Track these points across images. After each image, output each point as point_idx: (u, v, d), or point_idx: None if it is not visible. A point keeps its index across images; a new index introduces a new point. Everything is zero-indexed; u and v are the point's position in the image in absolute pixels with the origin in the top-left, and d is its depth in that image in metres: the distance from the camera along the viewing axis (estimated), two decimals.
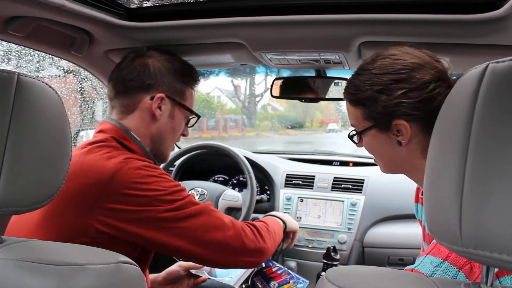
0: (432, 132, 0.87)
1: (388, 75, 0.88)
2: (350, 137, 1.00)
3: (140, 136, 1.11)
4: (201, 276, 1.43)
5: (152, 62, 1.13)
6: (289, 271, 1.33)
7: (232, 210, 1.70)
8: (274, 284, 1.28)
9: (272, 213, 1.44)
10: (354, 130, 0.98)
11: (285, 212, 1.83)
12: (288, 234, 1.42)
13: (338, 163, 2.11)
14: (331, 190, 1.87)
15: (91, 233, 0.92)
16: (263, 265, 1.34)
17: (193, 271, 1.40)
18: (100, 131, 1.09)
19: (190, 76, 1.18)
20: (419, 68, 0.86)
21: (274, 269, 1.32)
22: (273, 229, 1.22)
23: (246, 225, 1.11)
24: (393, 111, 0.88)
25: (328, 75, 1.48)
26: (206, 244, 1.01)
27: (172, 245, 0.98)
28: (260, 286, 1.30)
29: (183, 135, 1.23)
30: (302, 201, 1.86)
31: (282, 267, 1.33)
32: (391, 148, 0.92)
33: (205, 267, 1.37)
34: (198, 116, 1.22)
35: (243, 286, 1.36)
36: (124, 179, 0.94)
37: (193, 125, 1.24)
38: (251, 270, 1.37)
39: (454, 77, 0.89)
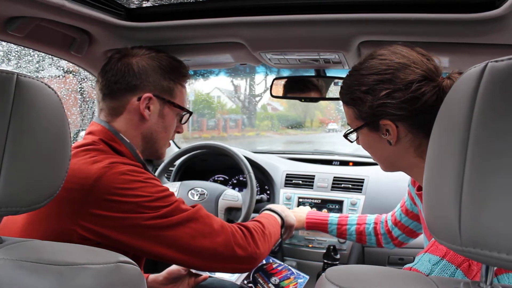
0: (422, 130, 0.88)
1: (374, 76, 0.89)
2: (345, 136, 1.02)
3: (130, 138, 1.08)
4: (201, 275, 1.43)
5: (137, 61, 1.09)
6: (289, 267, 1.33)
7: (232, 210, 1.70)
8: (275, 279, 1.29)
9: (271, 206, 1.40)
10: (350, 129, 1.00)
11: None
12: (285, 228, 1.40)
13: (338, 162, 2.11)
14: (331, 190, 1.87)
15: (75, 239, 0.90)
16: (264, 261, 1.34)
17: (193, 270, 1.40)
18: (89, 133, 1.07)
19: (178, 73, 1.14)
20: (404, 68, 0.87)
21: (274, 266, 1.32)
22: (269, 231, 1.18)
23: (238, 229, 1.07)
24: (379, 112, 0.89)
25: (327, 74, 1.48)
26: (193, 252, 0.98)
27: (157, 253, 0.95)
28: (261, 282, 1.30)
29: (178, 132, 1.20)
30: (302, 201, 1.86)
31: (282, 263, 1.33)
32: (383, 147, 0.93)
33: None
34: (190, 113, 1.19)
35: (245, 282, 1.36)
36: (107, 184, 0.91)
37: (185, 122, 1.20)
38: None
39: (444, 76, 0.89)
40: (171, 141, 2.28)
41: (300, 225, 1.50)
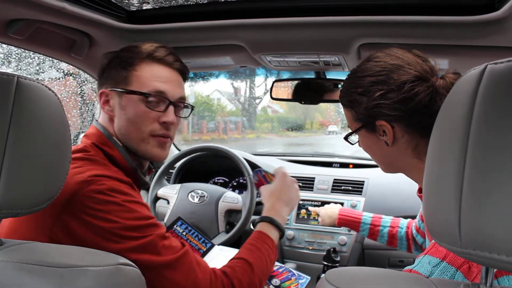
0: (418, 130, 0.89)
1: (368, 78, 0.90)
2: (346, 138, 1.02)
3: (120, 139, 1.02)
4: None
5: (103, 60, 1.07)
6: (290, 268, 1.32)
7: (232, 212, 1.70)
8: (276, 281, 1.28)
9: (274, 218, 1.15)
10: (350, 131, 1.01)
11: None
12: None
13: (338, 164, 2.11)
14: (331, 192, 1.87)
15: None
16: None
17: None
18: (85, 136, 1.04)
19: (129, 59, 1.01)
20: (398, 69, 0.88)
21: (275, 268, 1.31)
22: (259, 276, 1.02)
23: (220, 286, 0.93)
24: (374, 112, 0.90)
25: (327, 77, 1.49)
26: None
27: None
28: None
29: (165, 122, 1.01)
30: (302, 203, 1.86)
31: (283, 265, 1.32)
32: (381, 148, 0.94)
33: None
34: (146, 95, 0.98)
35: None
36: (81, 202, 0.85)
37: (187, 117, 1.10)
38: None
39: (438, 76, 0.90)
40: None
41: (331, 221, 1.49)
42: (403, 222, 1.43)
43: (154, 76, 1.01)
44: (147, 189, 1.89)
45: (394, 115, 0.88)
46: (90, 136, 1.02)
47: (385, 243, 1.43)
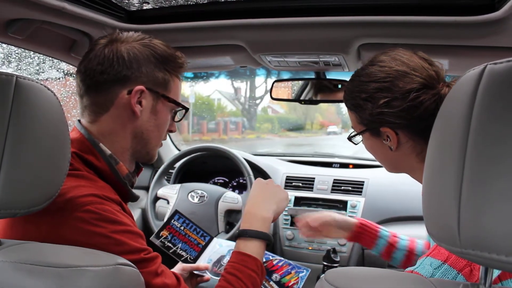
0: (423, 136, 0.88)
1: (373, 83, 0.89)
2: (349, 139, 1.02)
3: (116, 141, 0.94)
4: (203, 276, 1.43)
5: (127, 48, 0.92)
6: (290, 261, 1.32)
7: (232, 213, 1.70)
8: (276, 276, 1.27)
9: (241, 233, 1.06)
10: (354, 131, 1.00)
11: (285, 215, 1.82)
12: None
13: (338, 165, 2.11)
14: (331, 192, 1.87)
15: None
16: (263, 259, 1.34)
17: (196, 272, 1.40)
18: None
19: (174, 63, 0.98)
20: (403, 76, 0.86)
21: (274, 262, 1.31)
22: None
23: None
24: (378, 119, 0.89)
25: (327, 77, 1.48)
26: None
27: None
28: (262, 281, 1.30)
29: (170, 131, 1.05)
30: (302, 202, 1.86)
31: (282, 259, 1.32)
32: (385, 152, 0.93)
33: (209, 268, 1.37)
34: (186, 109, 1.03)
35: None
36: (66, 232, 0.78)
37: (180, 120, 1.07)
38: None
39: (444, 82, 0.89)
40: (171, 143, 2.29)
41: (344, 232, 1.30)
42: (419, 248, 1.25)
43: (178, 90, 1.02)
44: (147, 189, 1.90)
45: (399, 123, 0.87)
46: (73, 143, 0.90)
47: (402, 260, 1.26)
